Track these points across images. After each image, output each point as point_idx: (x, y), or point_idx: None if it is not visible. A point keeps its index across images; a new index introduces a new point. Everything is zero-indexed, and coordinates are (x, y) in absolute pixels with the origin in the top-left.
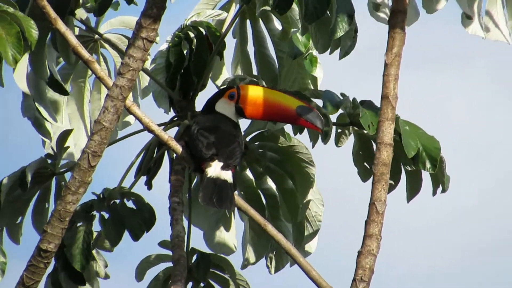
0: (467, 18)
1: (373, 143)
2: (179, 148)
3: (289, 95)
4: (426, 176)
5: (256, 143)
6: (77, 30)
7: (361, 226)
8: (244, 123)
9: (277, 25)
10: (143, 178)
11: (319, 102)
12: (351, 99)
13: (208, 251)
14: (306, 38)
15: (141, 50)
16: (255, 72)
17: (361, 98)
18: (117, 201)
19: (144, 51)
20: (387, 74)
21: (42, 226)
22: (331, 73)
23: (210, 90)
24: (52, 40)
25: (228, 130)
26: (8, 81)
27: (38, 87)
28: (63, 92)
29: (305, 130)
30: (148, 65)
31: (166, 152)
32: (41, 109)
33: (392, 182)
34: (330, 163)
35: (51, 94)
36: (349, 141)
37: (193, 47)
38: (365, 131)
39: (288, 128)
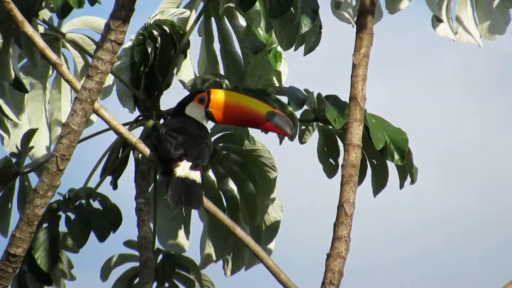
0: (437, 21)
1: (338, 138)
2: (147, 150)
3: (258, 99)
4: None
5: (221, 144)
6: (40, 29)
7: (330, 228)
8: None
9: (242, 22)
10: (109, 178)
11: (283, 98)
12: (315, 94)
13: None
14: (268, 33)
15: (109, 53)
16: (221, 69)
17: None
18: (83, 201)
19: (113, 54)
20: (355, 75)
21: (5, 227)
22: (298, 70)
23: (174, 88)
24: (16, 40)
25: (196, 132)
26: None
27: (2, 86)
28: (24, 90)
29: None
30: None
31: (131, 152)
32: (5, 108)
33: None
34: (295, 162)
35: (12, 93)
36: (313, 138)
37: (158, 46)
38: (330, 127)
39: (252, 131)
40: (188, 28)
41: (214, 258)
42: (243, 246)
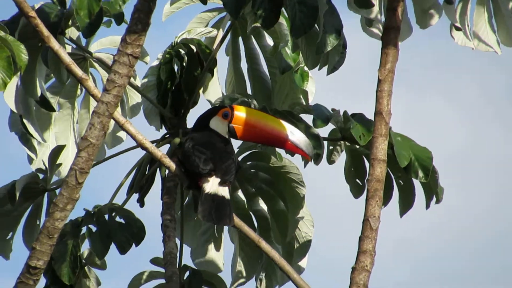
0: (456, 30)
1: (365, 159)
2: (172, 165)
3: (283, 119)
4: (419, 191)
5: (248, 163)
6: (68, 48)
7: (355, 242)
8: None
9: (269, 41)
10: (135, 196)
11: (309, 117)
12: (341, 112)
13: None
14: (295, 53)
15: (126, 66)
16: (248, 88)
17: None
18: (106, 216)
19: (130, 67)
20: (380, 90)
21: (32, 242)
22: (325, 88)
23: (201, 107)
24: (43, 57)
25: (223, 146)
26: None
27: (27, 105)
28: (51, 109)
29: None
30: (139, 81)
31: (158, 169)
32: (29, 127)
33: None
34: (323, 180)
35: (39, 112)
36: (341, 158)
37: (184, 64)
38: (357, 146)
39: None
40: (215, 47)
41: (244, 276)
42: (274, 265)
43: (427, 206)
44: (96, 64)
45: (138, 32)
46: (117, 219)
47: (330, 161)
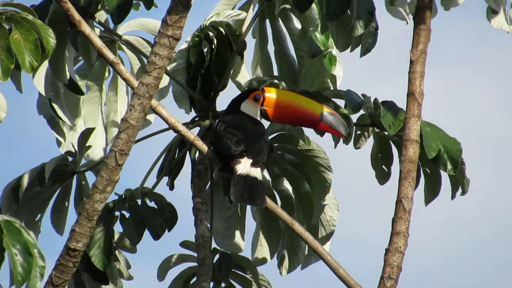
0: (492, 13)
1: (392, 145)
2: (205, 147)
3: (313, 99)
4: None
5: (276, 144)
6: (96, 31)
7: (387, 224)
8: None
9: (296, 24)
10: (165, 179)
11: (340, 102)
12: (372, 99)
13: None
14: (325, 36)
15: (167, 48)
16: (275, 72)
17: (382, 96)
18: (139, 200)
19: (170, 49)
20: (412, 71)
21: (61, 224)
22: (352, 71)
23: (230, 90)
24: (72, 41)
25: (254, 128)
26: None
27: (56, 88)
28: (79, 92)
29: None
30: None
31: (188, 152)
32: (59, 111)
33: None
34: (351, 162)
35: (67, 95)
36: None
37: (213, 47)
38: (386, 133)
39: (307, 131)
40: (243, 29)
41: (268, 257)
42: (297, 245)
43: (453, 196)
44: (124, 47)
45: (179, 14)
46: (149, 203)
47: (357, 146)
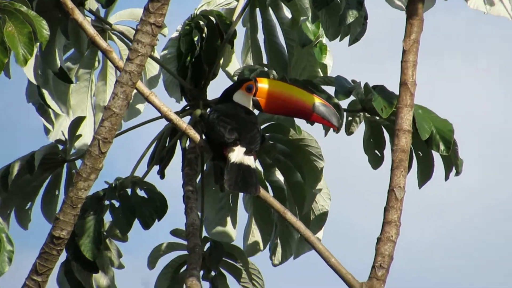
0: None
1: (384, 130)
2: (197, 136)
3: (305, 90)
4: (438, 162)
5: (267, 134)
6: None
7: (379, 212)
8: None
9: (287, 13)
10: (156, 168)
11: (330, 89)
12: (362, 84)
13: None
14: (315, 26)
15: (149, 36)
16: (265, 61)
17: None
18: (129, 190)
19: (153, 36)
20: (405, 61)
21: (51, 213)
22: (341, 61)
23: (221, 78)
24: (63, 29)
25: (247, 117)
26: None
27: (45, 76)
28: (69, 81)
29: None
30: (158, 54)
31: (178, 141)
32: (48, 99)
33: None
34: (342, 150)
35: (56, 83)
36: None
37: (204, 36)
38: (377, 118)
39: (298, 120)
40: (234, 18)
41: (260, 247)
42: (290, 235)
43: (446, 177)
44: (114, 37)
45: (161, 1)
46: (139, 192)
47: (349, 132)
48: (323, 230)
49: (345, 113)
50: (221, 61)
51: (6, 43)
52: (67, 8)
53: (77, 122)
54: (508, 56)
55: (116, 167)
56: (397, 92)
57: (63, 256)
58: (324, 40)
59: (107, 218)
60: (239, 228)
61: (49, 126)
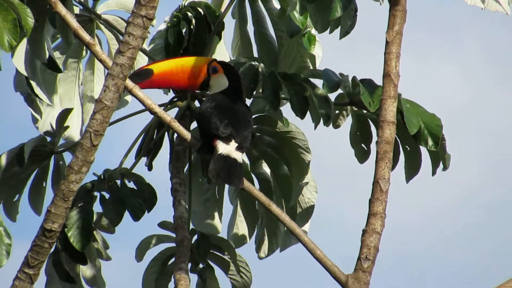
0: None
1: (371, 123)
2: (182, 129)
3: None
4: (425, 157)
5: (254, 127)
6: (75, 10)
7: (364, 205)
8: None
9: (276, 4)
10: (144, 159)
11: (318, 81)
12: (350, 78)
13: None
14: (303, 16)
15: (140, 28)
16: (255, 52)
17: (362, 76)
18: (118, 181)
19: (144, 29)
20: (388, 52)
21: (39, 205)
22: (332, 51)
23: None
24: (50, 19)
25: (244, 114)
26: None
27: (33, 66)
28: (58, 70)
29: (308, 114)
30: (146, 46)
31: (166, 133)
32: (36, 89)
33: None
34: (329, 143)
35: (44, 73)
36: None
37: (192, 28)
38: (364, 111)
39: (286, 113)
40: (222, 10)
41: (244, 238)
42: (276, 228)
43: (433, 173)
44: (102, 26)
45: None
46: (128, 183)
47: (336, 125)
48: (309, 223)
49: (332, 106)
50: (209, 53)
51: None
52: (50, 2)
53: (65, 113)
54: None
55: (104, 159)
56: None
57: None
58: (313, 30)
59: (95, 209)
60: (224, 220)
61: (37, 116)
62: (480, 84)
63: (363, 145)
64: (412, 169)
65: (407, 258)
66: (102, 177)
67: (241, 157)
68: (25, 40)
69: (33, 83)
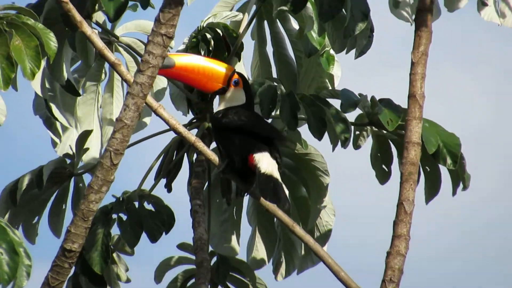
0: (482, 5)
1: (391, 144)
2: (206, 149)
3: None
4: (445, 177)
5: None
6: None
7: (388, 227)
8: None
9: (294, 25)
10: (163, 181)
11: (337, 102)
12: (369, 97)
13: None
14: (321, 36)
15: (160, 47)
16: (274, 73)
17: (380, 96)
18: (136, 203)
19: (164, 48)
20: (414, 73)
21: (58, 227)
22: (352, 71)
23: None
24: (70, 42)
25: (272, 126)
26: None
27: (52, 89)
28: (76, 93)
29: (325, 136)
30: None
31: (185, 154)
32: (55, 112)
33: None
34: (349, 165)
35: (63, 96)
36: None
37: (211, 49)
38: (384, 131)
39: (305, 135)
40: (241, 31)
41: (263, 259)
42: (293, 250)
43: (454, 193)
44: (121, 49)
45: (172, 12)
46: (146, 205)
47: (356, 145)
48: (327, 245)
49: (352, 127)
50: None
51: (13, 58)
52: (76, 21)
53: (84, 135)
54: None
55: (124, 180)
56: (403, 105)
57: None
58: (332, 50)
59: (115, 231)
60: (242, 242)
61: (56, 139)
62: (500, 103)
63: (383, 166)
64: (432, 190)
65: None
66: (120, 199)
67: (278, 174)
68: (43, 62)
69: (53, 106)
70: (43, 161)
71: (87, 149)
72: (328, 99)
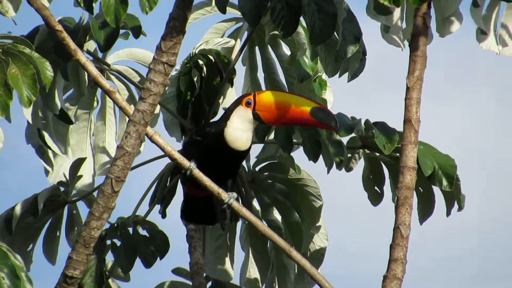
0: (481, 34)
1: (384, 166)
2: (201, 175)
3: (303, 97)
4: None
5: (266, 173)
6: None
7: (385, 250)
8: (255, 151)
9: (286, 50)
10: (158, 207)
11: None
12: (363, 121)
13: None
14: (314, 61)
15: (162, 75)
16: None
17: (374, 118)
18: (130, 229)
19: (165, 76)
20: (409, 98)
21: (53, 254)
22: (345, 95)
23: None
24: (62, 71)
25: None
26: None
27: (46, 118)
28: (69, 121)
29: (320, 158)
30: None
31: (179, 180)
32: (48, 140)
33: None
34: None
35: (56, 124)
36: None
37: (203, 75)
38: (377, 154)
39: (298, 159)
40: (233, 57)
41: (259, 285)
42: (286, 274)
43: (448, 213)
44: (112, 77)
45: (174, 41)
46: (141, 231)
47: (348, 168)
48: (319, 270)
49: (346, 150)
50: (221, 100)
51: (10, 85)
52: (70, 50)
53: (78, 163)
54: (503, 87)
55: (119, 206)
56: (396, 126)
57: None
58: (324, 75)
59: (109, 257)
60: (236, 266)
61: (49, 168)
62: (494, 128)
63: (376, 187)
64: (425, 211)
65: None
66: (115, 225)
67: None
68: None
69: (45, 135)
70: (35, 190)
71: (81, 176)
72: None
